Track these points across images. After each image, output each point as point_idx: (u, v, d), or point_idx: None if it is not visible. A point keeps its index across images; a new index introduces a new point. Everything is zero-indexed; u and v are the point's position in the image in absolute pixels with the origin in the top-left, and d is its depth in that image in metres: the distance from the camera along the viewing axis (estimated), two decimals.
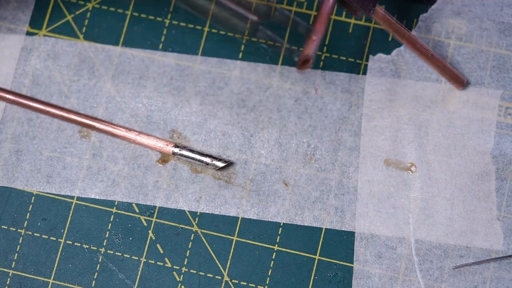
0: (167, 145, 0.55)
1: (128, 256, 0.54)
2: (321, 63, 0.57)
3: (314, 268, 0.54)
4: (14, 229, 0.55)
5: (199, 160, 0.55)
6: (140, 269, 0.54)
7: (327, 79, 0.56)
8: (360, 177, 0.55)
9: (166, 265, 0.54)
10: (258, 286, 0.54)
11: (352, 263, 0.54)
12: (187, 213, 0.55)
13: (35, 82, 0.57)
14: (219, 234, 0.54)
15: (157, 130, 0.56)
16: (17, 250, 0.54)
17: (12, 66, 0.57)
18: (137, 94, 0.57)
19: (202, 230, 0.55)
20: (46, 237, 0.55)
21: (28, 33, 0.58)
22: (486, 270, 0.53)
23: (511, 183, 0.54)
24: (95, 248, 0.54)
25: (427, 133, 0.55)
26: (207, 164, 0.55)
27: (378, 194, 0.55)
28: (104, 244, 0.54)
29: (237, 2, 0.55)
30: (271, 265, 0.54)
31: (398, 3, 0.57)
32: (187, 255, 0.54)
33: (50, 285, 0.54)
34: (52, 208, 0.55)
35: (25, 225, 0.55)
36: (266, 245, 0.54)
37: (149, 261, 0.54)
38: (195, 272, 0.54)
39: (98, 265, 0.54)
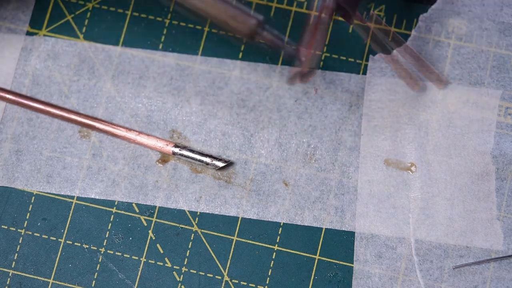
0: (167, 145, 0.55)
1: (128, 256, 0.54)
2: (321, 63, 0.57)
3: (314, 268, 0.54)
4: (14, 229, 0.55)
5: (199, 160, 0.55)
6: (140, 269, 0.54)
7: (327, 79, 0.56)
8: (360, 177, 0.55)
9: (166, 265, 0.54)
10: (258, 286, 0.54)
11: (352, 263, 0.54)
12: (187, 213, 0.55)
13: (35, 82, 0.57)
14: (219, 234, 0.54)
15: (157, 130, 0.56)
16: (17, 250, 0.54)
17: (12, 66, 0.57)
18: (137, 94, 0.56)
19: (202, 230, 0.55)
20: (46, 237, 0.55)
21: (28, 33, 0.58)
22: (486, 270, 0.53)
23: (511, 183, 0.54)
24: (95, 248, 0.54)
25: (427, 133, 0.55)
26: (207, 164, 0.55)
27: (378, 194, 0.55)
28: (104, 244, 0.54)
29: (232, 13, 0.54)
30: (271, 265, 0.54)
31: (398, 3, 0.57)
32: (187, 255, 0.54)
33: (50, 285, 0.54)
34: (52, 208, 0.55)
35: (25, 225, 0.55)
36: (266, 245, 0.54)
37: (149, 261, 0.54)
38: (195, 272, 0.54)
39: (98, 265, 0.54)
